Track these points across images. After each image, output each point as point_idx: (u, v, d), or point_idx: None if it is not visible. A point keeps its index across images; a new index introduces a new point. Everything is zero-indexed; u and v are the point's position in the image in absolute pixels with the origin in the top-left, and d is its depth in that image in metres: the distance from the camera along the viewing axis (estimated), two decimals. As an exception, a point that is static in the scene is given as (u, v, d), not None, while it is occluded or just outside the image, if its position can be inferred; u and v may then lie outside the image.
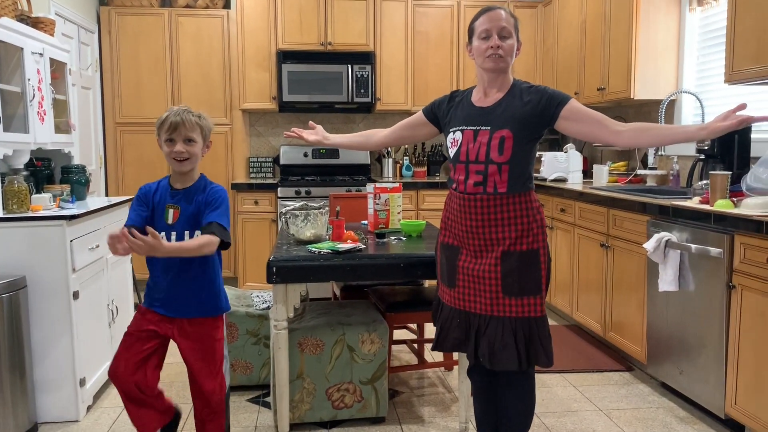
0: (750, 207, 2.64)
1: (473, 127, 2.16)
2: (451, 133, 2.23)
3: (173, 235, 2.19)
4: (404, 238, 2.97)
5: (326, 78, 5.20)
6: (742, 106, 1.91)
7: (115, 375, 2.19)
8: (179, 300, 2.21)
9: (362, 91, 5.24)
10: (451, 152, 2.22)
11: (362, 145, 2.67)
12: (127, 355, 2.19)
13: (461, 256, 2.20)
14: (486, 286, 2.12)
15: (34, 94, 3.05)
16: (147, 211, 2.22)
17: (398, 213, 3.18)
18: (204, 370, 2.25)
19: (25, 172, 3.15)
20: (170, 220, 2.20)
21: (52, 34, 3.40)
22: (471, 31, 2.18)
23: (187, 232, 2.19)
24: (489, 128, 2.12)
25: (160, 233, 2.11)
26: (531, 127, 2.12)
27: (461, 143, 2.17)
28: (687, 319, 2.98)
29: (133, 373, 2.17)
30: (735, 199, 2.78)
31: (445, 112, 2.31)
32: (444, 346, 2.26)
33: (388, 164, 5.59)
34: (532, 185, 2.18)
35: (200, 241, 2.09)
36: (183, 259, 2.16)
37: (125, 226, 2.16)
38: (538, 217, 2.15)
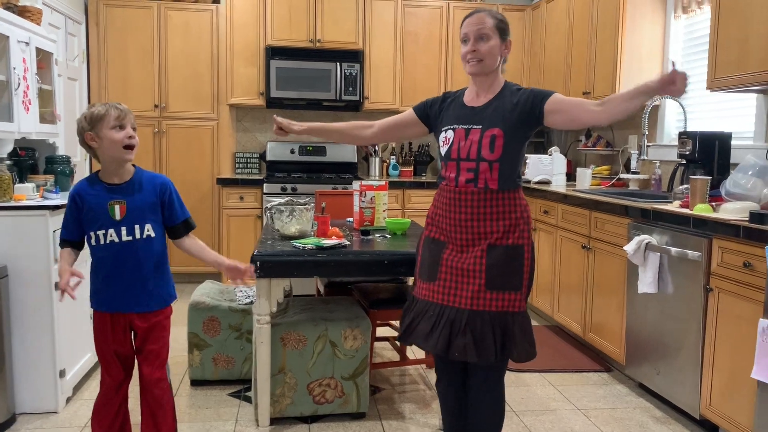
0: (728, 212, 2.69)
1: (465, 126, 2.20)
2: (443, 132, 2.27)
3: (123, 230, 2.12)
4: (389, 236, 2.99)
5: (314, 75, 5.21)
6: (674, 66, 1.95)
7: None
8: None
9: (350, 89, 5.26)
10: (443, 150, 2.25)
11: (347, 137, 2.56)
12: None
13: (446, 251, 2.22)
14: (469, 279, 2.14)
15: (19, 83, 3.04)
16: (80, 215, 2.15)
17: (383, 211, 3.20)
18: None
19: (8, 161, 3.13)
20: (118, 216, 2.12)
21: (38, 24, 3.39)
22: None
23: (137, 227, 2.13)
24: (480, 127, 2.17)
25: (107, 231, 2.11)
26: (520, 126, 2.17)
27: (453, 141, 2.21)
28: (665, 321, 3.02)
29: None
30: (714, 204, 2.83)
31: (437, 112, 2.34)
32: (412, 338, 2.25)
33: (375, 163, 5.61)
34: (520, 183, 2.23)
35: (201, 246, 2.32)
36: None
37: (62, 239, 2.17)
38: (525, 215, 2.19)
